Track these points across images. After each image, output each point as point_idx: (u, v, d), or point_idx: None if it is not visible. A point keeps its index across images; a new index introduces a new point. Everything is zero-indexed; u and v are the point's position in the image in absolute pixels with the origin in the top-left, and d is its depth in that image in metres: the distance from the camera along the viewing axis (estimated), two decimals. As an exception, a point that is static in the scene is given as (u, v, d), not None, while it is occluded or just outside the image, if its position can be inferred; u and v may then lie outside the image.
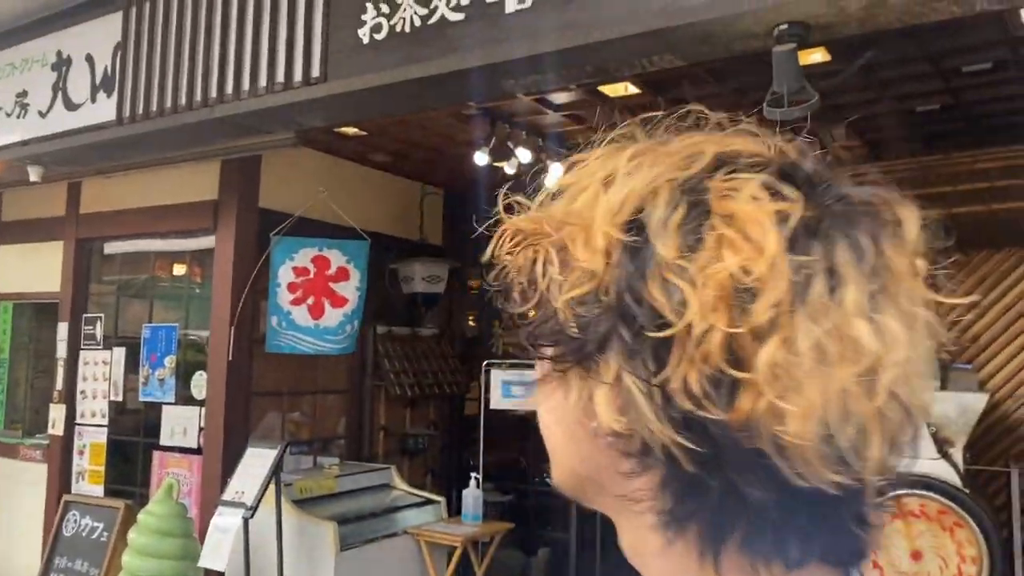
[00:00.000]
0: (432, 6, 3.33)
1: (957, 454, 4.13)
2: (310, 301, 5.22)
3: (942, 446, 4.08)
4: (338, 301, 5.27)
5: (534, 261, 0.57)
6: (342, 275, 5.30)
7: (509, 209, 0.62)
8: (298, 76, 3.79)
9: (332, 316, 5.25)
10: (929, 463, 3.97)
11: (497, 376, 5.53)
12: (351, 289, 5.29)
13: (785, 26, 2.69)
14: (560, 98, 4.39)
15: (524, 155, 4.88)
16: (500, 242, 0.60)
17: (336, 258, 5.30)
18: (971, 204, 4.69)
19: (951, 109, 4.58)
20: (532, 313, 0.57)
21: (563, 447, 0.59)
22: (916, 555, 4.00)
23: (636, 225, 0.52)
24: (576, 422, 0.56)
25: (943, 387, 4.29)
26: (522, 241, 0.58)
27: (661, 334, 0.48)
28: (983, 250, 5.29)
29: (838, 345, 0.47)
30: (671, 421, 0.49)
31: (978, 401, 4.22)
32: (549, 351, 0.56)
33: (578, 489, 0.60)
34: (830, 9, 2.63)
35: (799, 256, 0.48)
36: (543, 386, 0.59)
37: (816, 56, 3.75)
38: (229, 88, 4.06)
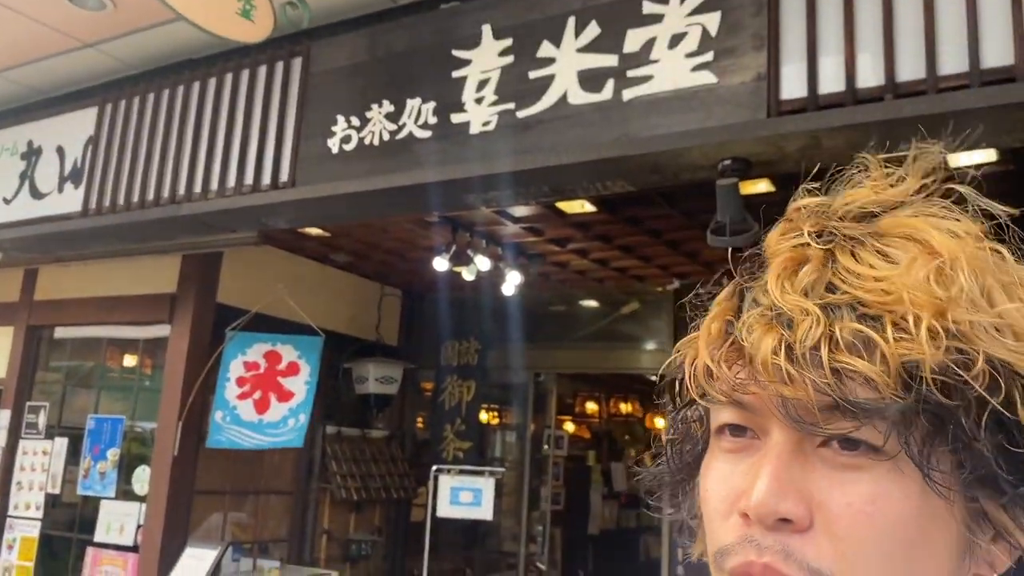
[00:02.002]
0: (401, 123, 3.51)
1: None
2: (256, 395, 5.19)
3: None
4: (285, 395, 5.25)
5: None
6: (292, 369, 5.30)
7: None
8: (267, 180, 3.92)
9: (277, 410, 5.21)
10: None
11: (446, 482, 5.49)
12: (300, 383, 5.28)
13: (728, 162, 2.90)
14: (519, 211, 4.57)
15: (483, 263, 5.02)
16: None
17: (288, 353, 5.31)
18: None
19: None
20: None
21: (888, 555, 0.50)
22: None
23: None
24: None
25: None
26: None
27: None
28: None
29: None
30: None
31: None
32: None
33: None
34: (769, 148, 2.84)
35: None
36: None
37: (761, 186, 3.99)
38: (197, 187, 4.17)
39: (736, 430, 0.55)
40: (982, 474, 0.50)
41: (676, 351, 0.62)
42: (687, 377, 0.58)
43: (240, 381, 5.16)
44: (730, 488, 0.54)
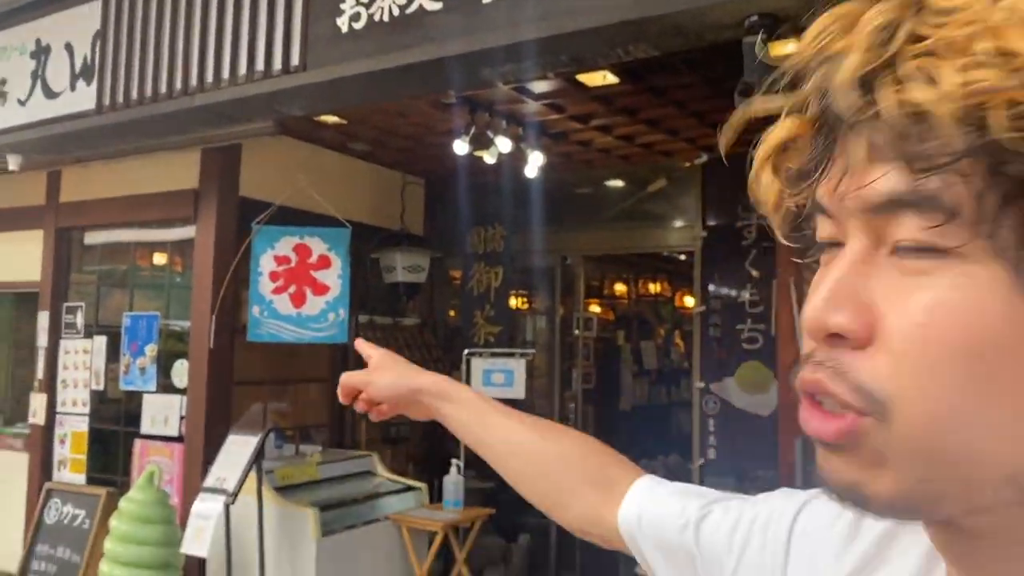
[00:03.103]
0: (410, -4, 3.37)
1: None
2: (292, 290, 5.25)
3: None
4: (320, 289, 5.30)
5: None
6: (323, 263, 5.33)
7: None
8: (278, 65, 3.82)
9: (314, 304, 5.28)
10: None
11: (478, 365, 5.58)
12: (333, 277, 5.33)
13: (755, 18, 2.75)
14: (539, 87, 4.43)
15: (504, 144, 4.92)
16: None
17: (317, 246, 5.32)
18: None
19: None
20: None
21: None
22: None
23: None
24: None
25: None
26: None
27: None
28: None
29: None
30: None
31: None
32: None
33: (945, 463, 0.43)
34: (797, 1, 2.68)
35: None
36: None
37: (790, 46, 3.81)
38: (209, 76, 4.08)
39: (832, 246, 0.49)
40: None
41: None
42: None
43: (273, 276, 5.20)
44: None
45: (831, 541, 0.63)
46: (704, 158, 5.65)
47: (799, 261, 0.57)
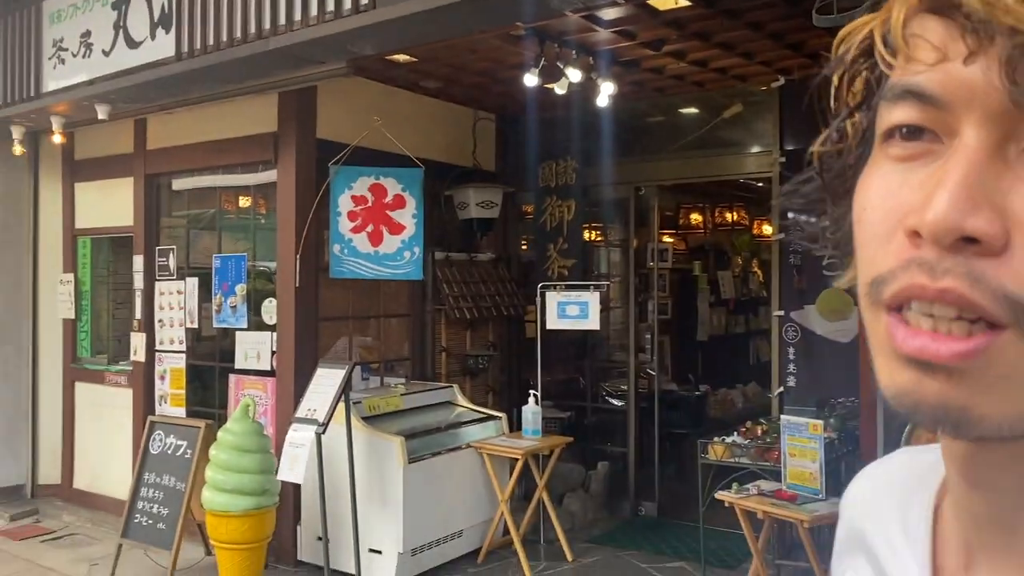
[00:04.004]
0: (477, -74, 3.34)
1: None
2: (369, 228, 5.38)
3: None
4: (396, 228, 5.42)
5: None
6: (398, 203, 5.43)
7: None
8: (348, 4, 3.86)
9: (391, 243, 5.41)
10: None
11: (552, 298, 5.64)
12: (408, 216, 5.44)
13: (834, -72, 2.65)
14: (609, 13, 4.35)
15: (574, 75, 4.86)
16: None
17: (392, 186, 5.42)
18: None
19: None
20: None
21: None
22: None
23: None
24: None
25: None
26: None
27: None
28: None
29: None
30: None
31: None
32: None
33: None
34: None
35: None
36: None
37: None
38: (282, 19, 4.15)
39: (912, 133, 0.44)
40: None
41: (839, 42, 0.50)
42: (874, 43, 0.46)
43: (351, 215, 5.33)
44: (897, 203, 0.44)
45: None
46: (781, 81, 5.49)
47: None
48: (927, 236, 0.41)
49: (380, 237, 5.40)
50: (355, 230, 5.36)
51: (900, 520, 0.57)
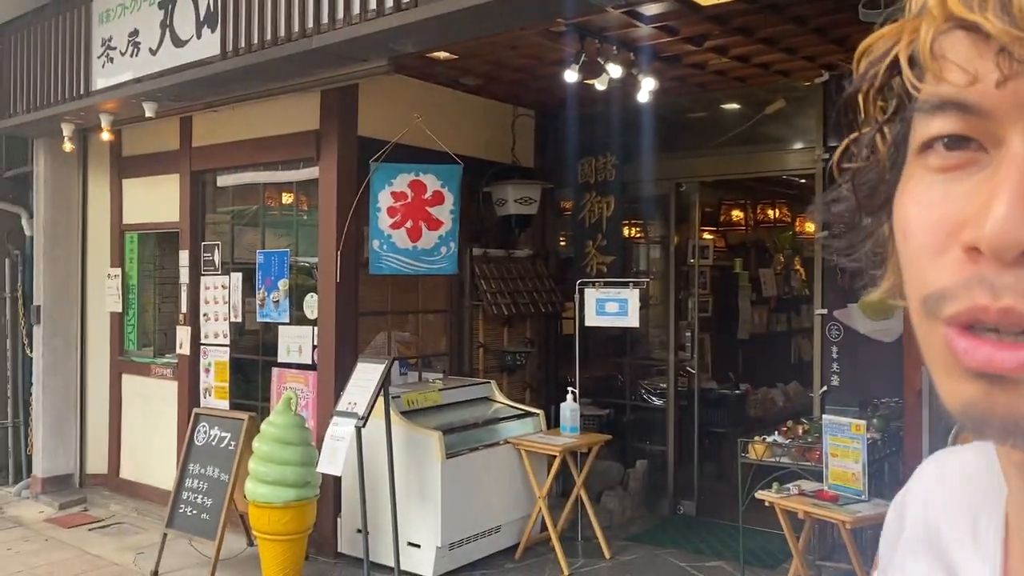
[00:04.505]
0: (518, -77, 3.34)
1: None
2: (408, 224, 5.42)
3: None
4: (434, 224, 5.46)
5: None
6: (437, 199, 5.47)
7: None
8: (390, 2, 3.88)
9: (428, 238, 5.44)
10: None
11: (591, 294, 5.63)
12: (446, 212, 5.47)
13: (882, -79, 2.60)
14: (650, 9, 4.32)
15: (615, 71, 4.84)
16: None
17: (431, 182, 5.46)
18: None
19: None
20: None
21: None
22: None
23: None
24: None
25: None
26: None
27: None
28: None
29: None
30: None
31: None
32: None
33: None
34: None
35: None
36: None
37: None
38: (325, 18, 4.20)
39: (954, 142, 0.43)
40: None
41: (862, 53, 0.48)
42: (901, 61, 0.44)
43: (391, 211, 5.38)
44: (945, 215, 0.43)
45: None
46: (825, 76, 5.41)
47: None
48: (988, 251, 0.40)
49: (419, 233, 5.44)
50: (394, 226, 5.40)
51: (971, 525, 0.56)
